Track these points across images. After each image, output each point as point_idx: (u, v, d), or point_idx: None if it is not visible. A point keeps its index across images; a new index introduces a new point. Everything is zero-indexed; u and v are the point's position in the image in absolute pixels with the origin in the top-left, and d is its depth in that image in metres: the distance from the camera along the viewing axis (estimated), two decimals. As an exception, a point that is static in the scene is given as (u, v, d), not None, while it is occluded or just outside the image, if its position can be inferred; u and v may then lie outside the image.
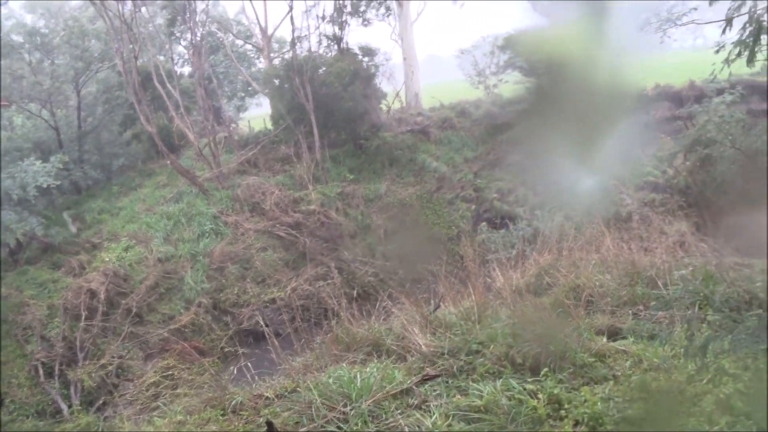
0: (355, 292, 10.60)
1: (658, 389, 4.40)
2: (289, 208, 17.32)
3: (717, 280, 6.46)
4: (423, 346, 5.75)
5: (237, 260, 15.44)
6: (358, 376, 5.27)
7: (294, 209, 17.31)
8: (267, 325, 8.34)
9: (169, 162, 18.76)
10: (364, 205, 18.15)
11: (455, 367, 5.28)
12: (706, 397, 4.13)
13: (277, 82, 20.74)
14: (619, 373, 4.82)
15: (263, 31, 23.67)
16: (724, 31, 4.37)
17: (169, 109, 19.77)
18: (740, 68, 5.48)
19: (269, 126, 22.29)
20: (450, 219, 18.03)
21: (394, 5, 24.11)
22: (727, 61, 4.49)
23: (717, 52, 4.55)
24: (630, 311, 6.40)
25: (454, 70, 26.83)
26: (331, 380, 5.34)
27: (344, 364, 5.84)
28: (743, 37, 4.22)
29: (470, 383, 4.94)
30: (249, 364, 6.63)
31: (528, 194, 18.06)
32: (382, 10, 23.89)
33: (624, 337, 5.69)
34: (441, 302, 7.06)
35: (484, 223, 17.19)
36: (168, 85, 19.30)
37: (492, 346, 5.36)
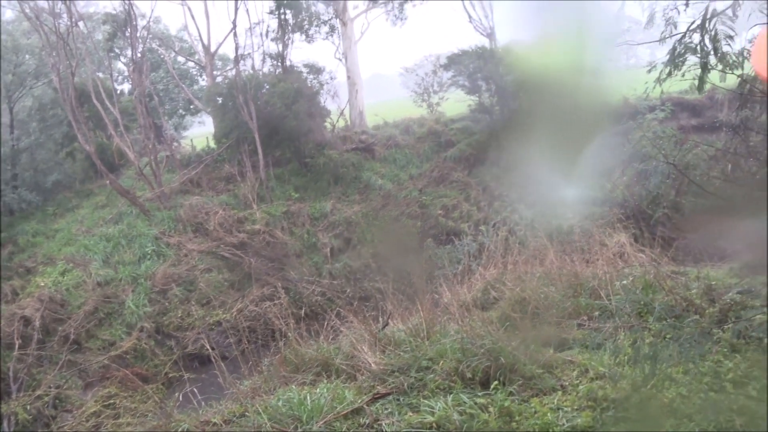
0: (302, 311, 10.42)
1: (604, 397, 4.48)
2: (234, 228, 17.00)
3: (656, 289, 6.67)
4: (373, 365, 5.70)
5: (180, 282, 15.02)
6: (308, 397, 5.18)
7: (238, 229, 17.00)
8: (213, 349, 8.10)
9: (108, 182, 18.16)
10: (309, 223, 18.00)
11: (406, 384, 5.26)
12: (650, 402, 4.24)
13: (220, 100, 20.47)
14: (567, 383, 4.90)
15: (206, 48, 23.34)
16: (673, 59, 4.53)
17: (108, 127, 19.19)
18: (671, 86, 5.73)
19: (212, 145, 21.90)
20: (396, 236, 18.06)
21: (338, 24, 24.24)
22: (659, 80, 4.66)
23: (649, 71, 4.72)
24: (575, 322, 6.54)
25: (398, 88, 27.14)
26: (280, 403, 5.22)
27: (293, 386, 5.73)
28: (671, 59, 4.39)
29: (421, 400, 4.92)
30: (195, 389, 6.43)
31: (472, 210, 18.33)
32: (326, 28, 24.02)
33: (570, 348, 5.79)
34: (389, 320, 7.03)
35: (429, 239, 17.31)
36: (107, 103, 18.75)
37: (442, 362, 5.37)
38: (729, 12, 4.18)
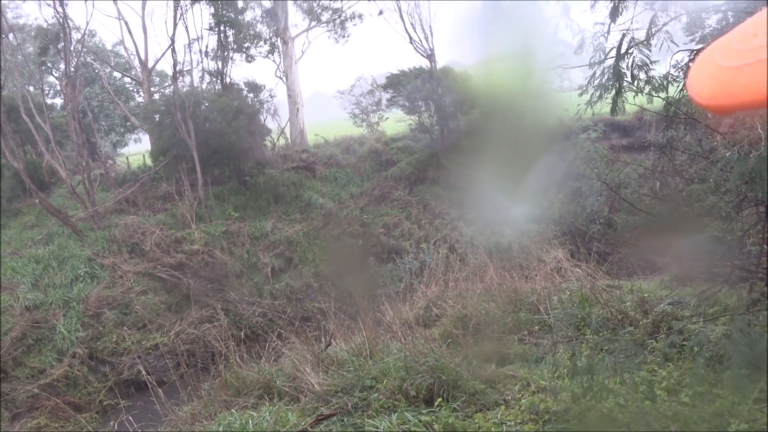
0: (242, 333, 10.17)
1: (546, 410, 4.56)
2: (171, 248, 16.53)
3: (592, 303, 6.87)
4: (316, 386, 5.62)
5: (115, 305, 14.45)
6: (250, 421, 5.06)
7: (176, 249, 16.54)
8: (150, 374, 7.81)
9: (37, 201, 17.35)
10: (250, 243, 17.70)
11: (350, 404, 5.20)
12: (590, 413, 4.34)
13: (157, 117, 19.98)
14: (510, 398, 4.96)
15: (143, 63, 22.81)
16: (590, 82, 4.71)
17: (38, 144, 18.44)
18: (603, 107, 5.97)
19: (149, 163, 21.35)
20: (338, 255, 18.00)
21: (278, 43, 24.18)
22: (590, 103, 4.84)
23: (581, 95, 4.90)
24: (516, 337, 6.65)
25: (339, 107, 27.25)
26: (221, 428, 5.08)
27: (234, 410, 5.58)
28: (603, 82, 4.57)
29: (366, 420, 4.88)
30: (131, 417, 6.19)
31: (413, 228, 18.47)
32: (267, 47, 23.91)
33: (512, 363, 5.88)
34: (332, 339, 6.97)
35: (371, 258, 17.33)
36: (37, 118, 18.04)
37: (385, 381, 5.34)
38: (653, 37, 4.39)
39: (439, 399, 4.89)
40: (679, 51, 4.56)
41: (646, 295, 6.86)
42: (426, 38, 22.96)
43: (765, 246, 4.69)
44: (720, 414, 4.27)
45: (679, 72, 4.68)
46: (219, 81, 20.85)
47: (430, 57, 22.85)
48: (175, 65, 19.76)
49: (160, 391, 6.26)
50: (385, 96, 22.97)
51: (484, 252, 11.53)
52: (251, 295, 15.75)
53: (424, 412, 4.81)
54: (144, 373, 7.78)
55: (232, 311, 14.80)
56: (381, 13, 24.24)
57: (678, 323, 5.64)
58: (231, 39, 21.20)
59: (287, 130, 23.93)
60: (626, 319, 6.24)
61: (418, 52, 23.03)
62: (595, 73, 4.61)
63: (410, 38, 23.00)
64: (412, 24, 22.89)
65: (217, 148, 18.78)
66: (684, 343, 5.22)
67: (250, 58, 22.46)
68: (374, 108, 24.97)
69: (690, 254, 7.78)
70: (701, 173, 4.61)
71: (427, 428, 4.54)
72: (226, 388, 6.31)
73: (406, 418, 4.71)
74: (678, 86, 4.72)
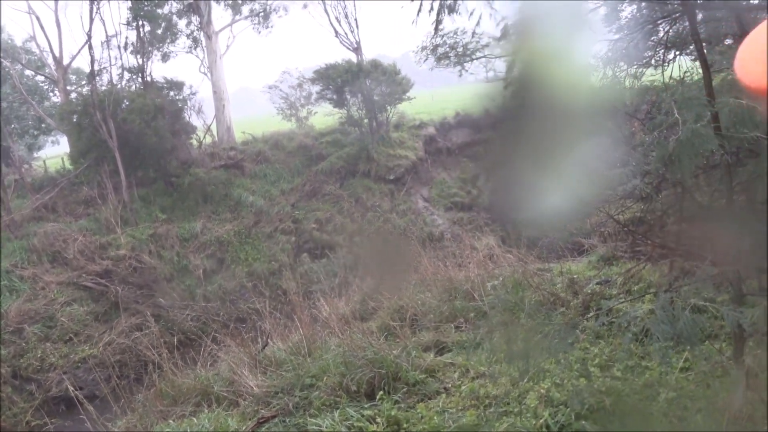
0: (176, 339, 9.81)
1: (486, 395, 4.63)
2: (96, 255, 15.82)
3: (525, 287, 7.03)
4: (255, 388, 5.52)
5: (38, 319, 13.71)
6: (189, 430, 4.91)
7: (102, 256, 15.85)
8: (79, 389, 7.46)
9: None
10: (179, 245, 17.19)
11: (291, 404, 5.13)
12: (528, 394, 4.45)
13: (75, 117, 19.05)
14: (450, 385, 5.01)
15: (58, 61, 21.67)
16: (511, 69, 4.78)
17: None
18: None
19: (68, 166, 20.36)
20: (270, 253, 17.73)
21: (201, 37, 23.51)
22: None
23: (506, 87, 4.97)
24: (452, 325, 6.72)
25: (266, 102, 26.78)
26: (158, 439, 4.92)
27: (172, 420, 5.41)
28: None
29: (308, 419, 4.82)
30: (61, 436, 5.90)
31: (346, 222, 18.44)
32: (189, 42, 23.23)
33: (450, 350, 5.94)
34: (269, 340, 6.85)
35: (305, 254, 17.19)
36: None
37: (325, 378, 5.30)
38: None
39: (381, 392, 4.89)
40: (599, 42, 4.71)
41: (575, 276, 7.08)
42: (352, 31, 22.90)
43: (683, 224, 4.90)
44: (650, 385, 4.46)
45: (598, 61, 4.84)
46: (140, 78, 20.13)
47: (357, 50, 22.80)
48: (92, 62, 19.01)
49: (90, 406, 5.99)
50: (314, 90, 22.76)
51: (417, 242, 11.60)
52: (183, 299, 15.31)
53: (366, 406, 4.79)
54: (71, 389, 7.42)
55: (163, 317, 14.33)
56: (305, 6, 23.99)
57: (606, 302, 5.85)
58: (150, 34, 20.46)
59: (213, 128, 23.32)
60: (558, 300, 6.42)
61: (344, 45, 22.96)
62: (515, 61, 4.67)
63: (336, 32, 22.89)
64: (337, 17, 22.78)
65: (140, 148, 18.13)
66: (613, 320, 5.41)
67: (166, 55, 21.77)
68: (303, 102, 24.69)
69: (614, 235, 8.09)
70: (623, 158, 4.78)
71: (370, 422, 4.53)
72: (162, 397, 6.10)
73: (348, 413, 4.69)
74: (599, 75, 4.87)
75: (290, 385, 5.45)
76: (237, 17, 25.13)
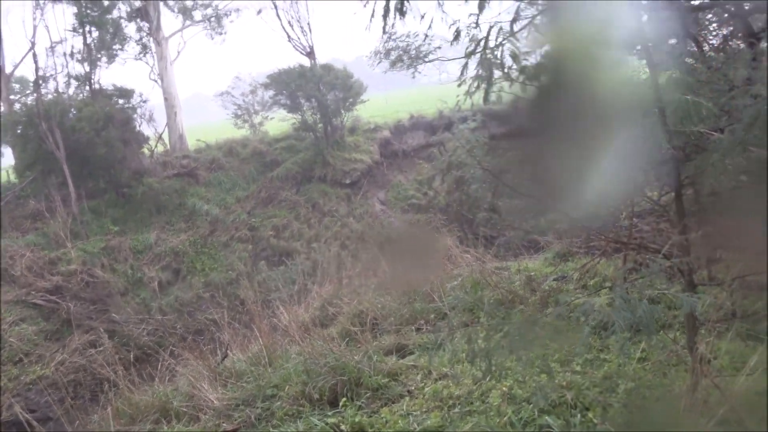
0: (132, 355, 9.50)
1: (450, 396, 4.64)
2: (45, 270, 15.27)
3: (483, 286, 7.09)
4: (215, 401, 5.40)
5: (-16, 340, 13.19)
6: (147, 448, 4.78)
7: (51, 272, 15.31)
8: (32, 411, 7.17)
9: None
10: (133, 258, 16.75)
11: (253, 416, 5.04)
12: (491, 393, 4.48)
13: (19, 128, 18.41)
14: (413, 388, 5.00)
15: (-1, 69, 20.95)
16: (462, 72, 4.81)
17: None
18: (481, 98, 6.14)
19: (13, 179, 19.66)
20: (227, 262, 17.45)
21: (151, 43, 23.00)
22: (469, 94, 4.94)
23: (459, 85, 4.99)
24: (413, 327, 6.73)
25: (220, 108, 26.39)
26: (115, 459, 4.77)
27: (129, 439, 5.26)
28: (479, 73, 4.67)
29: (271, 429, 4.75)
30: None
31: (303, 228, 18.31)
32: (139, 48, 22.73)
33: (412, 353, 5.93)
34: (228, 351, 6.73)
35: (262, 262, 17.00)
36: None
37: (287, 387, 5.22)
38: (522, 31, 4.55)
39: (344, 399, 4.85)
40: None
41: (532, 273, 7.18)
42: (305, 35, 22.79)
43: (634, 219, 5.02)
44: (609, 376, 4.55)
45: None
46: (87, 87, 19.59)
47: (310, 54, 22.69)
48: (36, 70, 18.50)
49: (43, 430, 5.78)
50: (267, 95, 22.54)
51: (375, 246, 11.61)
52: (138, 312, 14.92)
53: (329, 413, 4.75)
54: (22, 412, 7.14)
55: (118, 332, 13.94)
56: (259, 12, 23.74)
57: (564, 297, 5.94)
58: (98, 41, 19.95)
59: (165, 136, 22.83)
60: (517, 298, 6.49)
61: (297, 50, 22.84)
62: (467, 63, 4.71)
63: (288, 36, 22.74)
64: (289, 22, 22.65)
65: (89, 158, 17.64)
66: (571, 315, 5.49)
67: (121, 61, 21.32)
68: (257, 108, 24.41)
69: (569, 231, 8.24)
70: (574, 155, 4.87)
71: (334, 430, 4.49)
72: (119, 417, 5.91)
73: (311, 422, 4.63)
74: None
75: (251, 396, 5.35)
76: (188, 23, 24.70)
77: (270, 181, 20.14)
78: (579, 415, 4.05)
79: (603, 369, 4.70)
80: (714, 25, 6.66)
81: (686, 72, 3.93)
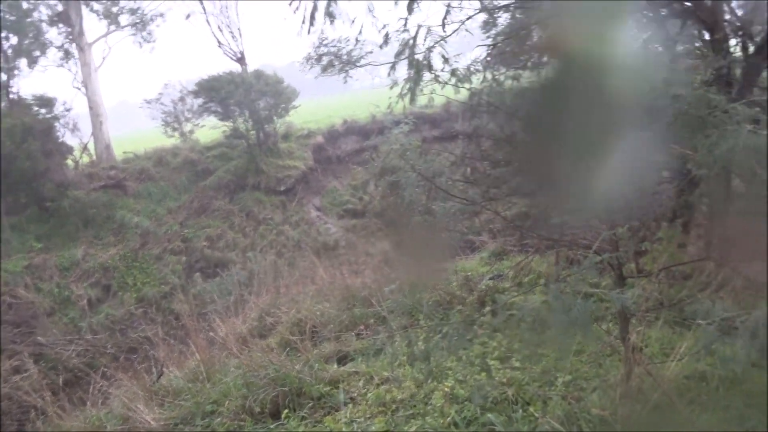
0: (61, 379, 9.02)
1: (392, 400, 4.64)
2: (-38, 294, 14.46)
3: (422, 288, 7.14)
4: (152, 422, 5.21)
5: None
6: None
7: (-32, 295, 14.50)
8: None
9: None
10: (59, 275, 16.00)
11: (192, 434, 4.90)
12: (433, 394, 4.51)
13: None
14: (356, 394, 4.97)
15: None
16: (389, 74, 4.84)
17: None
18: (418, 101, 6.19)
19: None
20: (160, 276, 16.92)
21: (74, 49, 22.04)
22: (401, 96, 4.98)
23: (391, 88, 5.02)
24: (353, 333, 6.71)
25: (147, 117, 25.54)
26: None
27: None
28: (409, 77, 4.72)
29: (211, 447, 4.63)
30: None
31: (238, 237, 17.99)
32: (60, 54, 21.75)
33: (353, 359, 5.91)
34: (163, 368, 6.51)
35: (197, 274, 16.58)
36: None
37: (227, 402, 5.10)
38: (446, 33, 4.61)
39: (286, 410, 4.77)
40: (478, 45, 4.89)
41: (469, 273, 7.29)
42: (235, 41, 22.42)
43: (566, 216, 5.15)
44: (547, 371, 4.67)
45: (479, 64, 5.01)
46: (5, 96, 18.64)
47: (241, 60, 22.34)
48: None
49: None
50: (197, 102, 21.99)
51: (312, 252, 11.53)
52: (67, 333, 14.24)
53: (271, 426, 4.67)
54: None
55: (45, 356, 13.25)
56: (188, 16, 23.13)
57: (500, 296, 6.05)
58: (16, 47, 19.04)
59: (91, 146, 21.92)
60: (454, 299, 6.58)
61: (228, 55, 22.45)
62: (394, 65, 4.75)
63: (219, 42, 22.33)
64: (219, 27, 22.23)
65: (9, 173, 16.74)
66: (508, 312, 5.60)
67: (40, 68, 20.42)
68: (187, 116, 23.76)
69: (503, 231, 8.41)
70: (506, 156, 4.98)
71: (277, 442, 4.42)
72: (48, 445, 5.64)
73: (254, 436, 4.55)
74: (480, 77, 5.04)
75: (190, 414, 5.20)
76: (112, 27, 23.80)
77: (202, 190, 19.70)
78: (520, 411, 4.13)
79: (541, 364, 4.81)
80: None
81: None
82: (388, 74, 4.83)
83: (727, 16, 6.45)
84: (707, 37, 5.60)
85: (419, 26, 4.41)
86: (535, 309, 3.81)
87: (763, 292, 5.00)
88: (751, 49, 6.25)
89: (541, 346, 5.10)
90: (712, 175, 3.06)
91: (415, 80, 4.50)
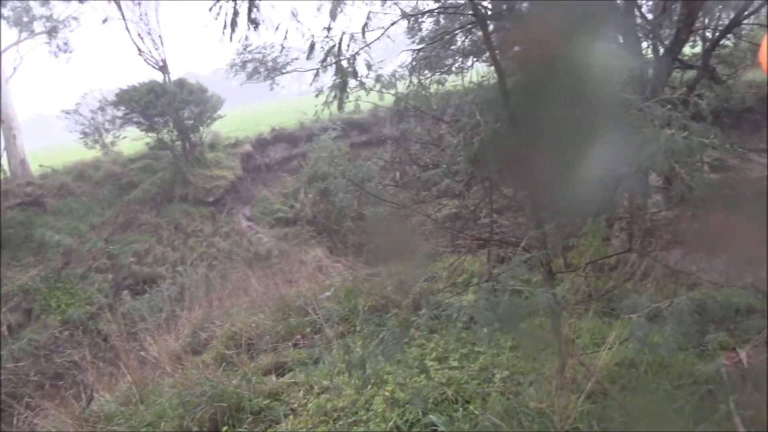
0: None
1: (334, 408, 4.61)
2: None
3: (356, 294, 7.15)
4: (83, 450, 4.99)
5: None
6: None
7: None
8: None
9: None
10: (-27, 302, 15.10)
11: (127, 459, 4.72)
12: (375, 399, 4.51)
13: None
14: (296, 405, 4.92)
15: None
16: (313, 81, 4.82)
17: None
18: (346, 107, 6.19)
19: None
20: (86, 296, 16.18)
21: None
22: (327, 104, 4.97)
23: (317, 96, 5.01)
24: (290, 343, 6.63)
25: (66, 129, 24.30)
26: None
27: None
28: (335, 83, 4.71)
29: (148, 472, 4.47)
30: None
31: (167, 251, 17.47)
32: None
33: (291, 370, 5.84)
34: (93, 393, 6.24)
35: (125, 292, 15.97)
36: None
37: (163, 424, 4.93)
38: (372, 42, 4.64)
39: (225, 427, 4.67)
40: (404, 51, 4.95)
41: (403, 276, 7.32)
42: (156, 49, 21.74)
43: (494, 215, 5.28)
44: (485, 368, 4.76)
45: (404, 70, 5.08)
46: None
47: (163, 68, 21.69)
48: None
49: None
50: (118, 113, 21.12)
51: (244, 263, 11.34)
52: (-16, 363, 13.44)
53: (211, 444, 4.56)
54: None
55: (-40, 392, 12.46)
56: (105, 21, 22.17)
57: (435, 297, 6.12)
58: None
59: (4, 161, 20.72)
60: (390, 303, 6.60)
61: (149, 64, 21.74)
62: (318, 72, 4.73)
63: (139, 50, 21.60)
64: (139, 34, 21.50)
65: None
66: (444, 313, 5.67)
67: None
68: (108, 127, 22.76)
69: (434, 232, 8.52)
70: (434, 159, 5.05)
71: (216, 461, 4.31)
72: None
73: (192, 457, 4.42)
74: (405, 82, 5.10)
75: (124, 438, 5.01)
76: (24, 35, 22.57)
77: (127, 204, 18.99)
78: (461, 409, 4.19)
79: (478, 361, 4.90)
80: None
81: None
82: (311, 83, 4.80)
83: (639, 20, 6.79)
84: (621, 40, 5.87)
85: (343, 33, 4.42)
86: (468, 308, 3.88)
87: (682, 279, 5.27)
88: (661, 51, 6.60)
89: (478, 344, 5.20)
90: (632, 172, 3.20)
91: (341, 87, 4.50)
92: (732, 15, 6.99)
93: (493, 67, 3.82)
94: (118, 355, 6.65)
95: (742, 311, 5.26)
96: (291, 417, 4.75)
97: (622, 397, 3.90)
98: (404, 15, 4.26)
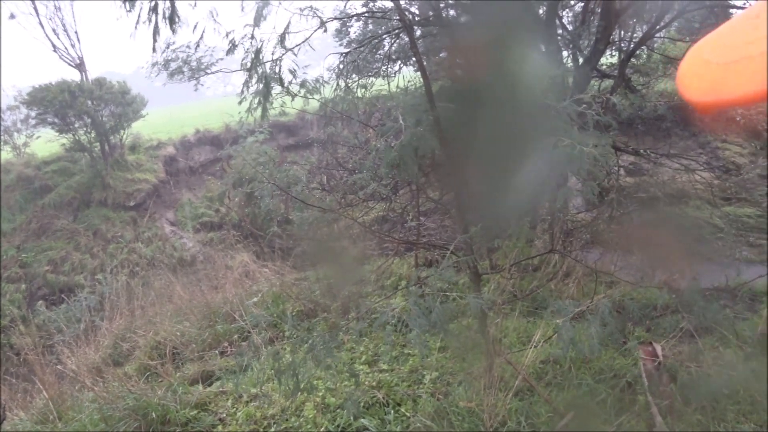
0: None
1: (264, 416, 4.54)
2: None
3: (285, 299, 7.07)
4: (-5, 473, 4.70)
5: None
6: None
7: None
8: None
9: None
10: None
11: (43, 481, 4.48)
12: (305, 405, 4.47)
13: None
14: (225, 415, 4.81)
15: None
16: (242, 90, 4.73)
17: None
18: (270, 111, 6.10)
19: None
20: (-4, 308, 15.28)
21: None
22: (250, 110, 4.88)
23: (240, 102, 4.91)
24: (217, 351, 6.48)
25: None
26: None
27: None
28: (258, 90, 4.64)
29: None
30: None
31: (85, 259, 16.73)
32: None
33: (218, 379, 5.71)
34: (5, 412, 5.89)
35: (40, 302, 15.18)
36: None
37: (83, 441, 4.72)
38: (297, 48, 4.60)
39: (150, 441, 4.51)
40: (330, 54, 4.93)
41: (331, 281, 7.30)
42: (73, 46, 20.74)
43: (421, 218, 5.34)
44: (415, 370, 4.81)
45: (331, 74, 5.06)
46: None
47: (80, 66, 20.72)
48: None
49: None
50: (31, 113, 20.00)
51: (168, 270, 11.01)
52: None
53: (135, 459, 4.39)
54: None
55: None
56: (12, 17, 20.96)
57: (363, 300, 6.14)
58: None
59: None
60: (318, 307, 6.57)
61: (65, 61, 20.72)
62: (247, 80, 4.66)
63: (54, 46, 20.55)
64: (54, 30, 20.44)
65: None
66: (372, 316, 5.69)
67: None
68: (19, 127, 21.52)
69: (362, 235, 8.54)
70: (360, 163, 5.06)
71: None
72: None
73: (114, 474, 4.24)
74: (332, 87, 5.09)
75: (41, 458, 4.76)
76: None
77: (41, 209, 18.05)
78: (392, 412, 4.22)
79: (408, 364, 4.94)
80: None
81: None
82: (242, 90, 4.70)
83: (560, 31, 7.06)
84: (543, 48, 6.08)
85: (261, 42, 4.35)
86: (396, 312, 3.90)
87: (601, 278, 5.49)
88: (581, 60, 6.87)
89: (407, 346, 5.25)
90: (553, 175, 3.31)
91: (264, 94, 4.44)
92: (645, 28, 7.37)
93: (419, 72, 3.87)
94: (33, 370, 6.29)
95: (658, 309, 5.55)
96: (220, 427, 4.64)
97: (547, 393, 4.03)
98: (322, 23, 4.23)
